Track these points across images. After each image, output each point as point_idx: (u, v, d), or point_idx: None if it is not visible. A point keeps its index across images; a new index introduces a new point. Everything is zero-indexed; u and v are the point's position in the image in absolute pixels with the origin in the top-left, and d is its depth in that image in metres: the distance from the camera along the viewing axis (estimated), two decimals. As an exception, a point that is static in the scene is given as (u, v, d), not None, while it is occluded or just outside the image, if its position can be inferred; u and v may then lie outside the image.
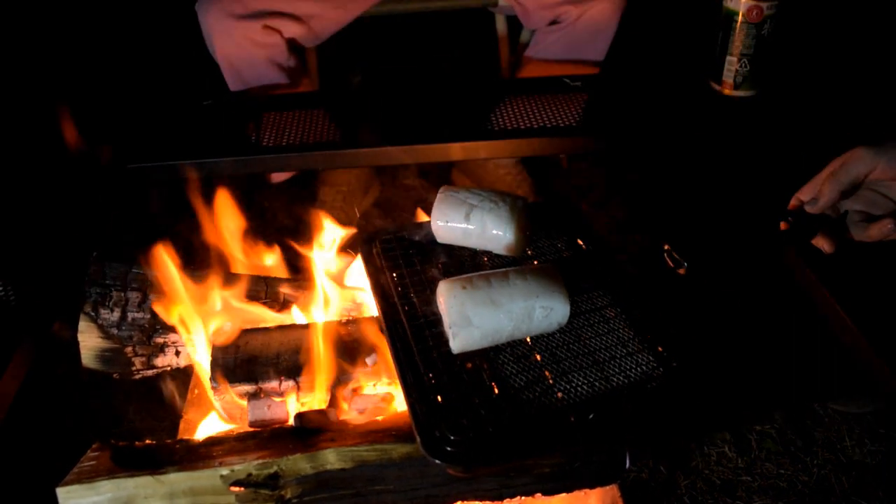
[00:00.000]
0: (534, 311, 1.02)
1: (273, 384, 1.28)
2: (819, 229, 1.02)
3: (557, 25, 1.99)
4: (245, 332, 1.38)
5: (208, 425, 1.32)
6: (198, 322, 1.42)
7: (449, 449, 0.90)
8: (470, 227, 1.19)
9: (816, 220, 1.02)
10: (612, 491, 1.27)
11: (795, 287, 1.57)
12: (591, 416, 0.95)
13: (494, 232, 1.17)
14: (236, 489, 1.11)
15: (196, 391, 1.38)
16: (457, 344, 1.01)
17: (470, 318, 1.00)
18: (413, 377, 1.01)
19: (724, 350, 1.48)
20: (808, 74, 1.82)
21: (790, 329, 1.60)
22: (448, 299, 1.02)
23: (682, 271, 1.18)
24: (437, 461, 0.89)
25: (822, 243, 1.02)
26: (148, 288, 1.44)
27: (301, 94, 2.08)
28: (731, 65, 1.69)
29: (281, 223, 1.77)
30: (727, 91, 1.73)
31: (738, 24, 1.64)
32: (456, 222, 1.19)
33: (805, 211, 1.02)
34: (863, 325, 1.36)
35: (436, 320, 1.08)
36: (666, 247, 1.21)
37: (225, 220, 1.46)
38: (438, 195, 1.22)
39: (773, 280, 1.60)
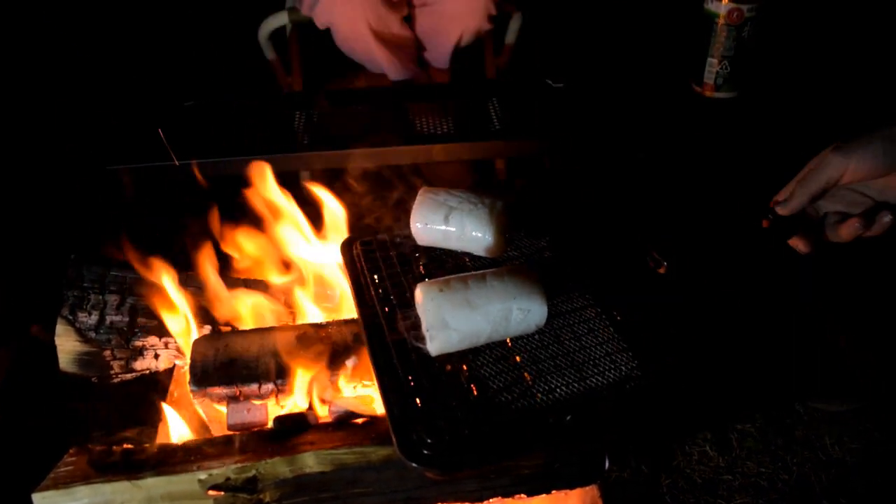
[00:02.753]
0: (511, 312, 1.02)
1: (252, 387, 1.27)
2: (799, 228, 1.02)
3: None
4: (224, 334, 1.38)
5: (187, 429, 1.31)
6: (178, 324, 1.41)
7: (425, 452, 0.90)
8: (450, 229, 1.18)
9: (797, 219, 1.02)
10: (591, 491, 1.27)
11: (778, 286, 1.58)
12: (568, 418, 0.95)
13: (474, 234, 1.17)
14: (214, 493, 1.11)
15: (175, 394, 1.37)
16: (434, 346, 1.01)
17: (447, 321, 0.99)
18: (391, 380, 1.00)
19: (704, 350, 1.49)
20: (788, 76, 1.83)
21: (772, 328, 1.61)
22: (425, 302, 1.01)
23: (662, 270, 1.18)
24: (413, 464, 0.89)
25: (798, 243, 1.02)
26: (127, 290, 1.43)
27: (282, 95, 2.08)
28: (712, 66, 1.70)
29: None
30: (708, 93, 1.74)
31: (719, 26, 1.65)
32: (435, 224, 1.18)
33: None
34: (847, 324, 1.37)
35: (415, 322, 1.08)
36: (647, 246, 1.21)
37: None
38: (418, 197, 1.21)
39: (755, 279, 1.61)
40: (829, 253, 1.03)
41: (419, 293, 1.04)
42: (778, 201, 1.03)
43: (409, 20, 2.17)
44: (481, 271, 1.07)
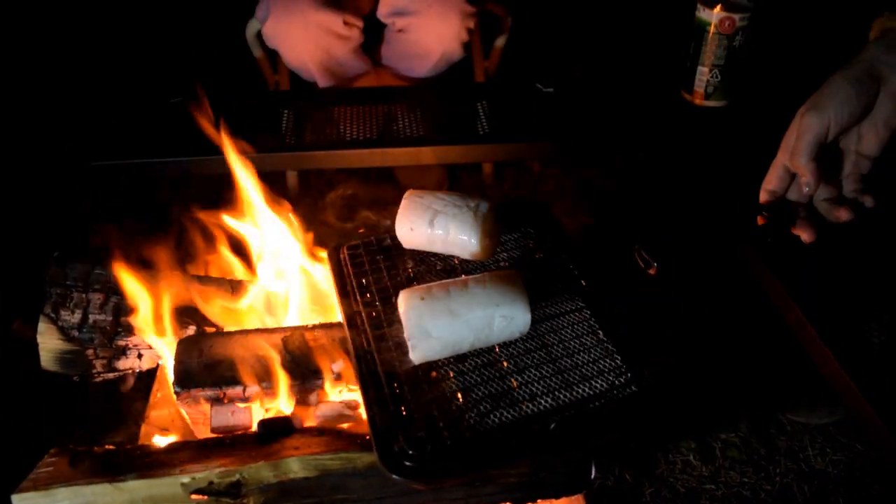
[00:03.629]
0: (494, 320, 1.01)
1: (237, 390, 1.26)
2: (794, 221, 1.02)
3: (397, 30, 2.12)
4: (209, 336, 1.36)
5: (170, 431, 1.30)
6: (163, 324, 1.40)
7: (407, 463, 0.89)
8: (435, 232, 1.16)
9: (792, 214, 1.02)
10: (577, 500, 1.27)
11: (761, 295, 1.59)
12: (552, 427, 0.95)
13: (459, 237, 1.15)
14: (197, 497, 1.10)
15: (158, 395, 1.35)
16: (416, 355, 1.01)
17: (428, 330, 0.99)
18: (374, 387, 1.00)
19: (692, 357, 1.49)
20: (779, 86, 1.84)
21: (757, 338, 1.62)
22: (406, 311, 1.00)
23: (652, 271, 1.18)
24: (395, 476, 0.88)
25: (802, 232, 1.01)
26: (111, 289, 1.42)
27: (270, 93, 2.07)
28: (703, 75, 1.70)
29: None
30: (698, 101, 1.74)
31: (710, 34, 1.65)
32: (420, 228, 1.17)
33: (777, 205, 1.02)
34: (827, 336, 1.37)
35: (399, 328, 1.07)
36: (636, 246, 1.21)
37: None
38: (403, 200, 1.20)
39: (741, 287, 1.61)
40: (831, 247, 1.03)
41: (401, 301, 1.04)
42: (771, 189, 1.02)
43: (367, 47, 2.16)
44: (463, 278, 1.07)
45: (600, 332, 1.10)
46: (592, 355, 1.07)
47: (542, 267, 1.22)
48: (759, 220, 1.03)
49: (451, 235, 1.16)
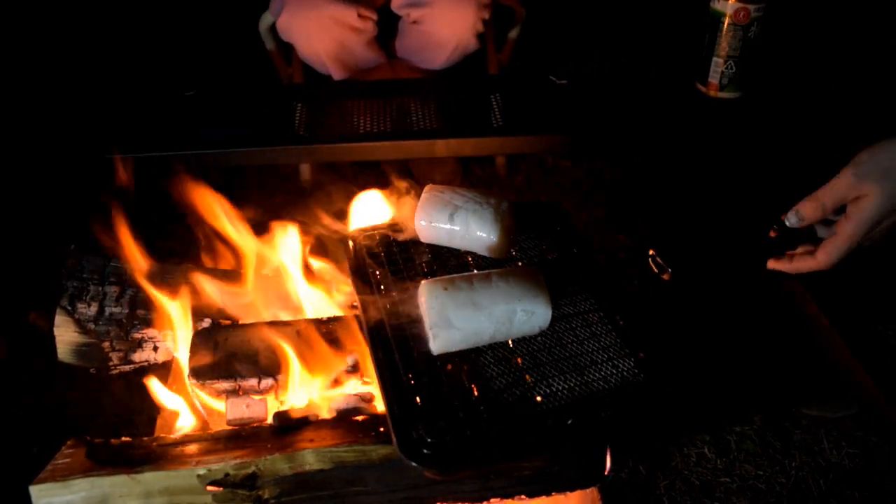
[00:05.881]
0: (515, 314, 1.01)
1: (252, 382, 1.27)
2: (805, 241, 1.02)
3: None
4: (224, 328, 1.37)
5: (186, 423, 1.31)
6: (178, 317, 1.40)
7: (425, 451, 0.89)
8: (454, 228, 1.17)
9: (803, 232, 1.02)
10: (591, 493, 1.27)
11: (778, 293, 1.58)
12: (569, 422, 0.95)
13: (478, 234, 1.16)
14: (213, 489, 1.10)
15: (174, 388, 1.36)
16: (437, 345, 1.01)
17: (451, 320, 0.99)
18: (392, 378, 1.00)
19: (706, 354, 1.48)
20: (795, 77, 1.82)
21: (771, 334, 1.61)
22: (429, 300, 1.01)
23: (666, 277, 1.18)
24: (413, 463, 0.88)
25: (802, 265, 1.01)
26: (126, 282, 1.42)
27: (283, 87, 2.07)
28: (717, 66, 1.69)
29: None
30: (713, 92, 1.73)
31: (725, 25, 1.64)
32: (440, 223, 1.18)
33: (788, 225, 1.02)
34: (846, 335, 1.36)
35: (417, 320, 1.07)
36: (651, 252, 1.21)
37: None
38: (423, 195, 1.21)
39: (757, 286, 1.61)
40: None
41: (423, 291, 1.04)
42: (799, 216, 1.01)
43: (381, 39, 2.16)
44: (486, 271, 1.07)
45: (615, 330, 1.10)
46: (607, 353, 1.07)
47: (554, 266, 1.21)
48: (771, 234, 1.03)
49: (471, 231, 1.16)
